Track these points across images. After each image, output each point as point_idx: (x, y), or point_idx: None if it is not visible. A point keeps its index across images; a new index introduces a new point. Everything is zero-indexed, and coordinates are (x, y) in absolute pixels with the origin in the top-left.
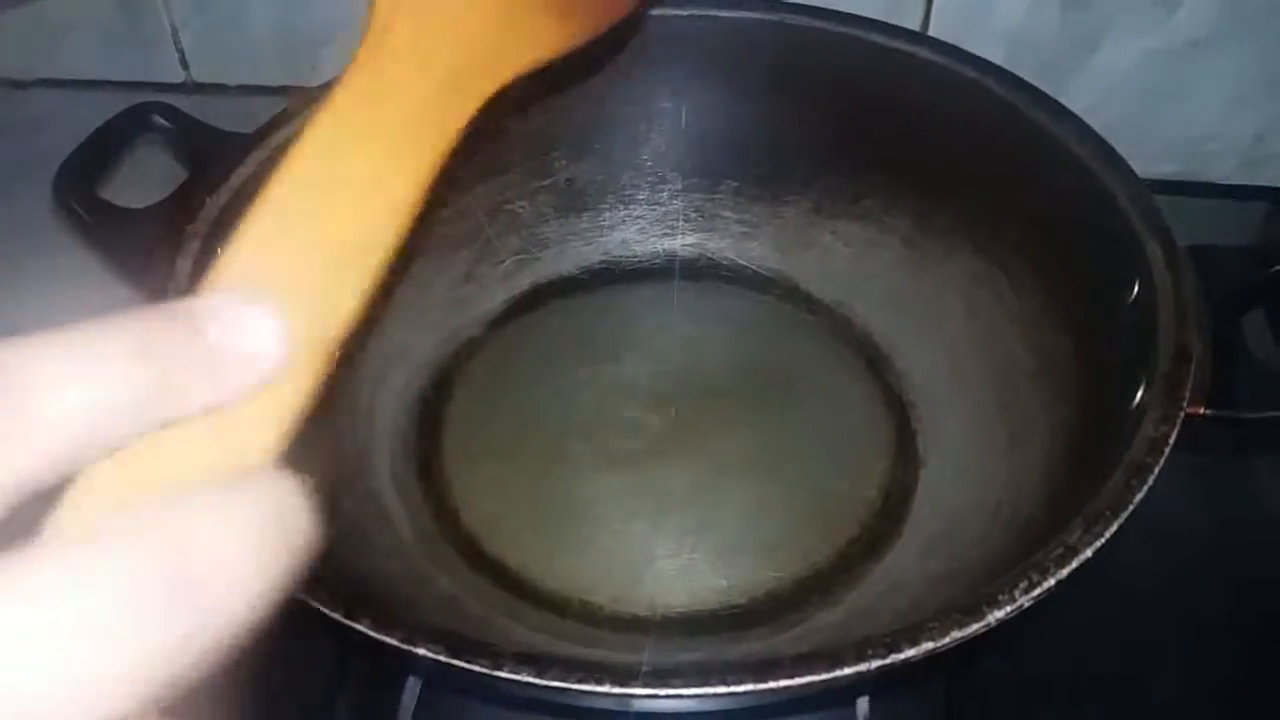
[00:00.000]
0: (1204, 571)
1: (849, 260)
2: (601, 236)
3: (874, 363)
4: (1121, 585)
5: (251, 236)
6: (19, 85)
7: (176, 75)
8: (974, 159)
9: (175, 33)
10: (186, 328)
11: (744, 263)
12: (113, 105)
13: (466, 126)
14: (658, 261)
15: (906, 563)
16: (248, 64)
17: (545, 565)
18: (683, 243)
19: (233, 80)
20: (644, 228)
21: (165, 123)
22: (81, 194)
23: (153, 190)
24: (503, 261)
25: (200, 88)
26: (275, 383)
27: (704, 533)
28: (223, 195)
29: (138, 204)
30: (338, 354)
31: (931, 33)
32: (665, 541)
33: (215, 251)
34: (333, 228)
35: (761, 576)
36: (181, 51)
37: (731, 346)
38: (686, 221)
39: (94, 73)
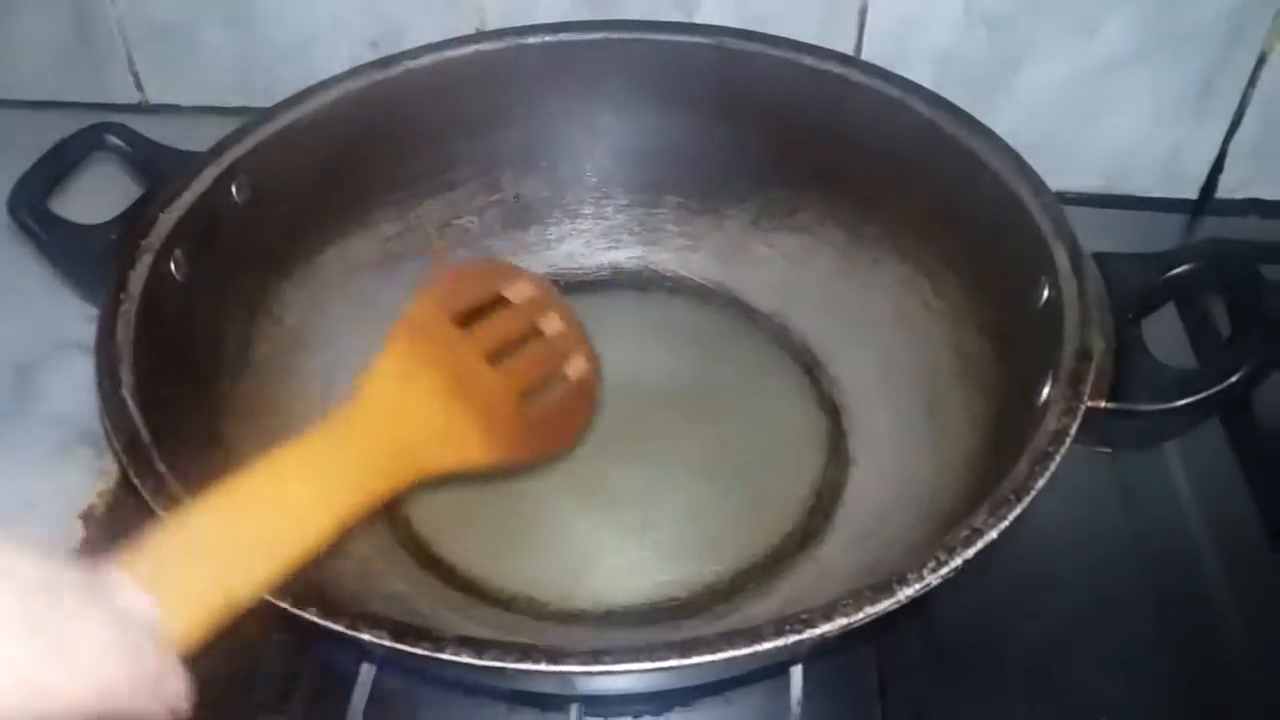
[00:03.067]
0: (1113, 551)
1: (786, 270)
2: (549, 250)
3: (810, 368)
4: (1040, 564)
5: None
6: None
7: (131, 96)
8: (901, 173)
9: (129, 55)
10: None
11: (686, 274)
12: (68, 126)
13: (383, 497)
14: (603, 273)
15: (835, 554)
16: (202, 85)
17: (494, 565)
18: (627, 255)
19: (187, 101)
20: (590, 241)
21: (120, 142)
22: (35, 210)
23: (107, 207)
24: None
25: (155, 109)
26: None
27: (646, 530)
28: (175, 211)
29: (92, 220)
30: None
31: (864, 53)
32: (609, 540)
33: (168, 267)
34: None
35: (700, 571)
36: (136, 73)
37: (674, 354)
38: (631, 235)
39: (49, 94)
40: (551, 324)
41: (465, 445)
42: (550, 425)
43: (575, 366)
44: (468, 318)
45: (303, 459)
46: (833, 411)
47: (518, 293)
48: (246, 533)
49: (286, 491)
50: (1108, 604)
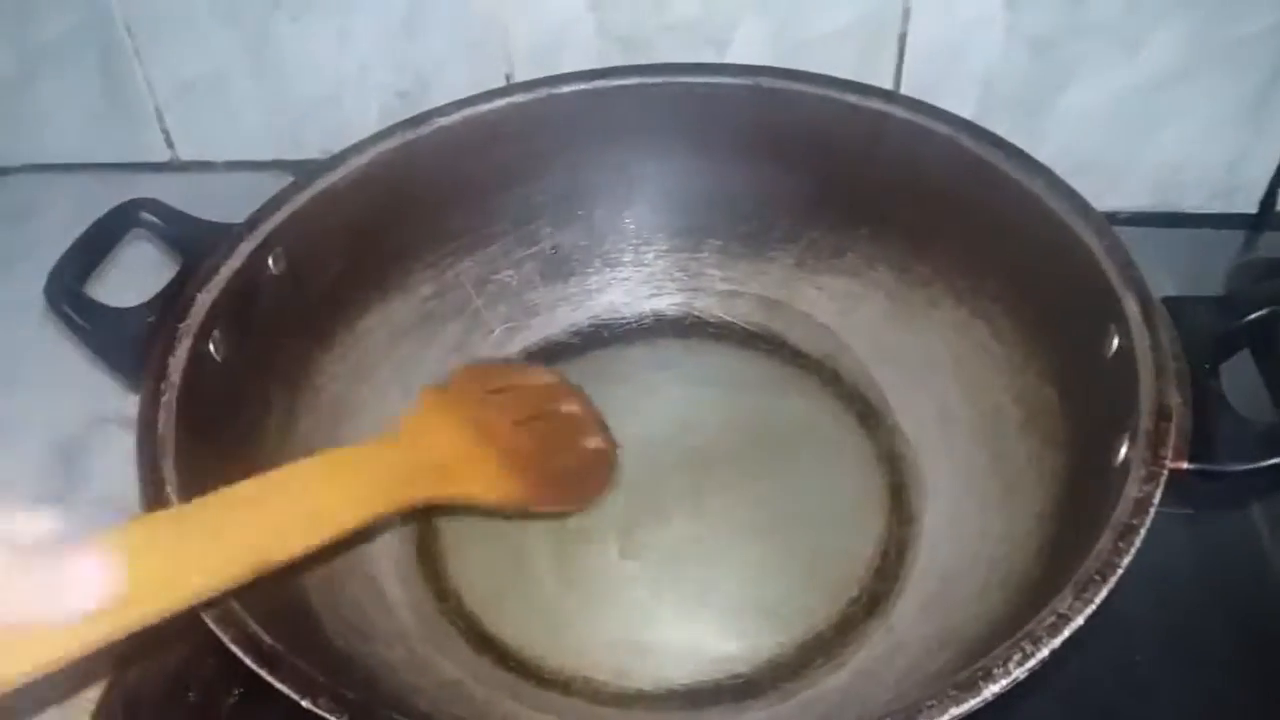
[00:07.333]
0: (1193, 604)
1: (835, 314)
2: (589, 300)
3: (864, 416)
4: (1116, 618)
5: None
6: (5, 171)
7: (162, 155)
8: (951, 212)
9: (159, 113)
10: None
11: (731, 319)
12: (101, 189)
13: (410, 502)
14: (646, 322)
15: (906, 622)
16: (232, 141)
17: (547, 643)
18: (669, 302)
19: (218, 157)
20: (630, 289)
21: (153, 218)
22: (72, 297)
23: (143, 284)
24: (492, 331)
25: (186, 166)
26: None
27: (703, 599)
28: (212, 290)
29: (129, 300)
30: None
31: (905, 81)
32: (665, 610)
33: (207, 348)
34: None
35: (764, 642)
36: (166, 131)
37: (722, 405)
38: (672, 281)
39: (81, 157)
40: (570, 407)
41: (486, 477)
42: (566, 483)
43: (593, 441)
44: (497, 393)
45: (336, 462)
46: (891, 461)
47: (539, 379)
48: (256, 519)
49: (310, 489)
50: (1188, 660)
